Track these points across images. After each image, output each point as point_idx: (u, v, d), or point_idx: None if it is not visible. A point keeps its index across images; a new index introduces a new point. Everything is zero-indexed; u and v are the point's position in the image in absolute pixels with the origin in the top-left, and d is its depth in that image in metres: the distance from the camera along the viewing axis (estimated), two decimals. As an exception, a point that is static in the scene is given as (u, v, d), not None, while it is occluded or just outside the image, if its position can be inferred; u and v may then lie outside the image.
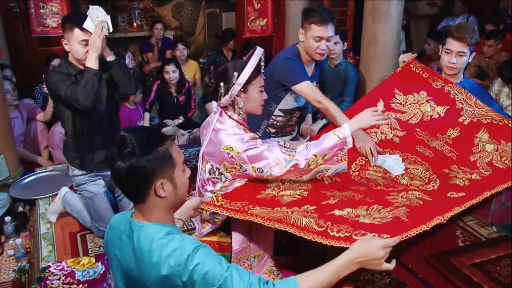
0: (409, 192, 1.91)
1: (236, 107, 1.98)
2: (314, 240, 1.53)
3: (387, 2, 3.98)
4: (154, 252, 1.31)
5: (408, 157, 2.26)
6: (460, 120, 2.31)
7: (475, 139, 2.22)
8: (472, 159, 2.16)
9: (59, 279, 2.43)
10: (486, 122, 2.25)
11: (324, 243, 1.50)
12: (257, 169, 1.91)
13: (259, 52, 1.93)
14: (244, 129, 1.99)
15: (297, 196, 1.88)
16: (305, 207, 1.75)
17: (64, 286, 2.39)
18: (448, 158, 2.21)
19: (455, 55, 2.47)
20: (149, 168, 1.30)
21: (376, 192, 1.95)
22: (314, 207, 1.74)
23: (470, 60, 2.55)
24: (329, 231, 1.54)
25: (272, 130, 2.89)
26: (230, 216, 1.81)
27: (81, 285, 2.40)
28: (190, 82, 4.98)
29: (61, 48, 3.28)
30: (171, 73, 4.47)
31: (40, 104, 4.26)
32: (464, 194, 1.85)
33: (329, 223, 1.58)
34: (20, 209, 3.27)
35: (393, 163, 2.22)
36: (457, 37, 2.44)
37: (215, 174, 2.02)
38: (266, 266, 2.15)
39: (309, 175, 1.91)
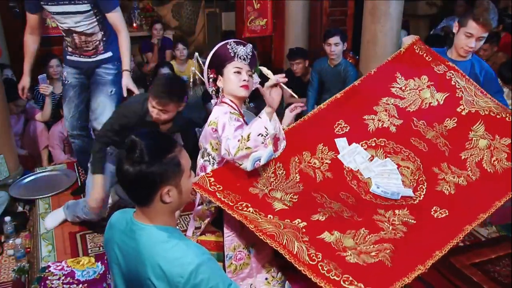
0: (395, 211, 1.95)
1: (220, 91, 2.07)
2: (304, 273, 1.58)
3: (386, 2, 3.98)
4: (155, 256, 1.31)
5: (402, 151, 2.24)
6: (458, 109, 2.28)
7: (470, 132, 2.20)
8: (463, 157, 2.16)
9: (58, 279, 2.43)
10: (484, 114, 2.22)
11: (314, 280, 1.55)
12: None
13: (225, 42, 2.04)
14: (234, 109, 2.03)
15: (288, 204, 1.89)
16: (296, 221, 1.78)
17: (64, 286, 2.40)
18: (441, 152, 2.20)
19: (476, 39, 2.46)
20: (157, 175, 1.30)
21: (365, 205, 1.99)
22: (305, 223, 1.78)
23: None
24: (319, 267, 1.59)
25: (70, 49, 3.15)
26: (223, 208, 1.81)
27: (80, 285, 2.40)
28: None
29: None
30: None
31: (41, 105, 4.23)
32: (447, 213, 1.91)
33: (320, 255, 1.63)
34: (20, 209, 3.27)
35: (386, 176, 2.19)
36: (482, 23, 2.42)
37: (205, 157, 2.04)
38: (266, 262, 2.09)
39: (248, 164, 1.83)
